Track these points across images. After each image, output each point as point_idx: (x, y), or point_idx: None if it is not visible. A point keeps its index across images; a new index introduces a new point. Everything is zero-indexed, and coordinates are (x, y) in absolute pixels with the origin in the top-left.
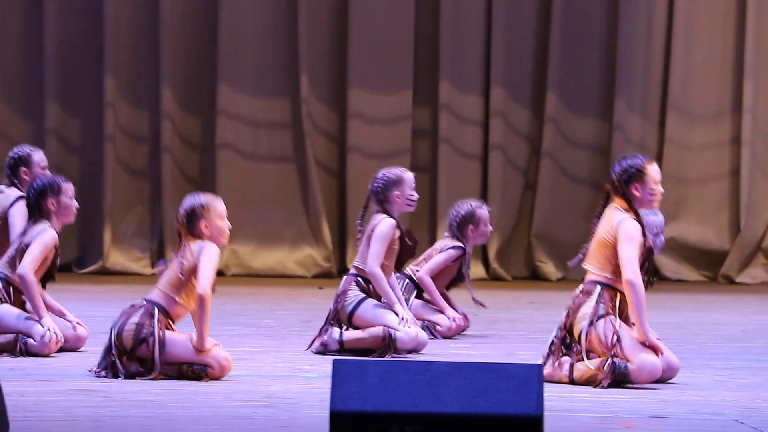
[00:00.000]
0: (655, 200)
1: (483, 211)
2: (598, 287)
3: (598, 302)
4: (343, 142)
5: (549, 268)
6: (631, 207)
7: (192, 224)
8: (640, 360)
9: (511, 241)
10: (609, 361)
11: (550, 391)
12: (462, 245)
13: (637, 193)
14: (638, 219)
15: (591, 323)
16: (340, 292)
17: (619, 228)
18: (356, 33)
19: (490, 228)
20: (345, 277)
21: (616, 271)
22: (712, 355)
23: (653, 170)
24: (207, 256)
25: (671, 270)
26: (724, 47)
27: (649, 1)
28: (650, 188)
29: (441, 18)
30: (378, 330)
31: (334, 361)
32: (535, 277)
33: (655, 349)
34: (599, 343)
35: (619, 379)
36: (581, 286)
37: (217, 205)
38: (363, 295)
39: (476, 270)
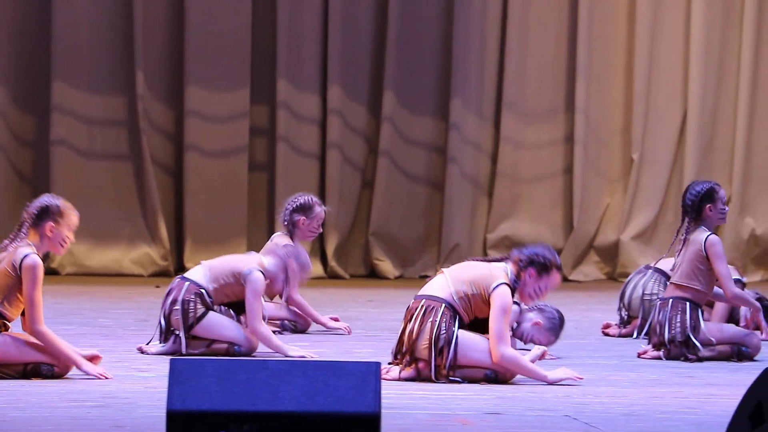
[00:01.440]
0: None
1: (320, 209)
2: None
3: None
4: (180, 140)
5: (387, 266)
6: None
7: (40, 220)
8: None
9: (348, 240)
10: None
11: (388, 389)
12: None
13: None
14: None
15: None
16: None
17: None
18: (193, 30)
19: (320, 229)
20: (187, 284)
21: None
22: None
23: None
24: (30, 279)
25: None
26: (556, 48)
27: (484, 1)
28: None
29: (278, 16)
30: (222, 346)
31: (171, 360)
32: (372, 275)
33: None
34: None
35: None
36: None
37: (72, 216)
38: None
39: (314, 268)
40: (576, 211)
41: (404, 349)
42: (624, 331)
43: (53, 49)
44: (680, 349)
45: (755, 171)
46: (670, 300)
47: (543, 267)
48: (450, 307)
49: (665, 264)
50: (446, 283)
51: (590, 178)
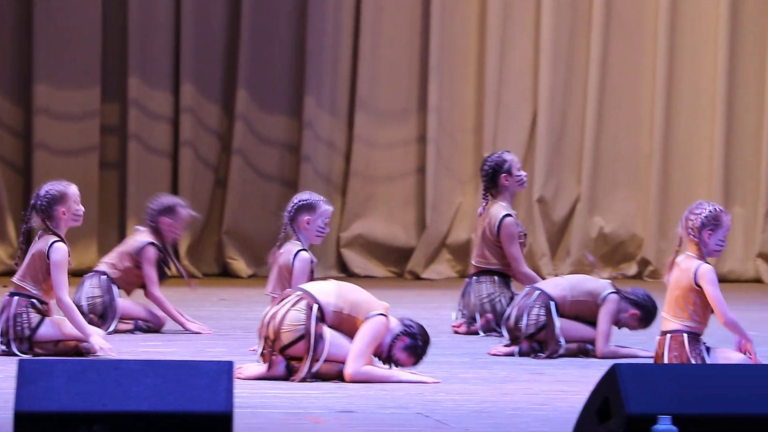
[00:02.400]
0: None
1: (186, 211)
2: None
3: None
4: (28, 139)
5: (240, 265)
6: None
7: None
8: None
9: (201, 238)
10: None
11: (242, 388)
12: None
13: None
14: None
15: None
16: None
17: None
18: (41, 26)
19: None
20: (16, 299)
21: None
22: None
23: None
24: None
25: (359, 266)
26: (410, 47)
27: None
28: None
29: (129, 13)
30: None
31: (20, 361)
32: (225, 273)
33: None
34: None
35: None
36: None
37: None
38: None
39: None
40: (429, 210)
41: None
42: (473, 328)
43: None
44: (533, 344)
45: (603, 171)
46: (533, 293)
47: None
48: (320, 310)
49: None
50: (332, 290)
51: (443, 177)
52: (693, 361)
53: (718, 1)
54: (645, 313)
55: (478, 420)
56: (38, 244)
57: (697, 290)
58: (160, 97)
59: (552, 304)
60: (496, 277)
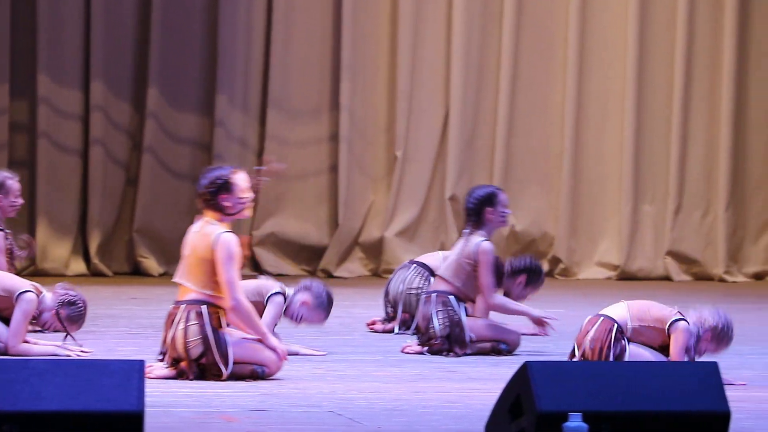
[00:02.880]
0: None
1: (14, 183)
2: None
3: None
4: None
5: (151, 264)
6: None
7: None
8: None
9: (112, 237)
10: None
11: (153, 387)
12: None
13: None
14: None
15: None
16: None
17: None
18: None
19: (21, 200)
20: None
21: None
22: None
23: (240, 179)
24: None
25: (271, 265)
26: (322, 46)
27: None
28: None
29: (38, 9)
30: None
31: None
32: (137, 272)
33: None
34: None
35: None
36: None
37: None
38: None
39: (77, 266)
40: (341, 208)
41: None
42: (389, 326)
43: None
44: (444, 343)
45: (515, 169)
46: (434, 294)
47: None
48: (210, 314)
49: (429, 259)
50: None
51: (355, 175)
52: (611, 351)
53: (627, 5)
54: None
55: (391, 418)
56: None
57: (666, 335)
58: (69, 95)
59: (451, 299)
60: (428, 274)
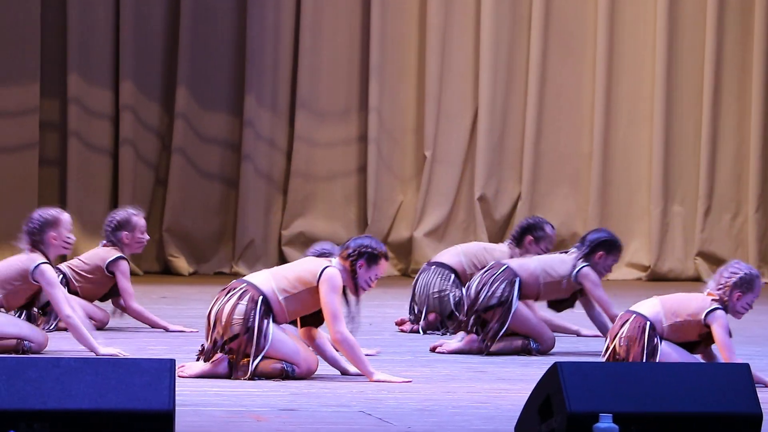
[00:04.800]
0: None
1: (139, 219)
2: None
3: None
4: None
5: (181, 263)
6: None
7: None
8: None
9: None
10: None
11: (183, 386)
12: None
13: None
14: None
15: None
16: None
17: None
18: None
19: (147, 236)
20: None
21: None
22: None
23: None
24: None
25: None
26: (350, 47)
27: None
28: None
29: (69, 10)
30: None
31: None
32: (167, 271)
33: None
34: None
35: None
36: None
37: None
38: None
39: None
40: (370, 208)
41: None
42: (416, 327)
43: None
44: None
45: (544, 170)
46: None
47: (372, 257)
48: (265, 302)
49: (446, 256)
50: (269, 278)
51: (384, 176)
52: (643, 350)
53: (655, 7)
54: (607, 247)
55: (421, 418)
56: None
57: (704, 326)
58: (100, 95)
59: (517, 280)
60: (449, 273)
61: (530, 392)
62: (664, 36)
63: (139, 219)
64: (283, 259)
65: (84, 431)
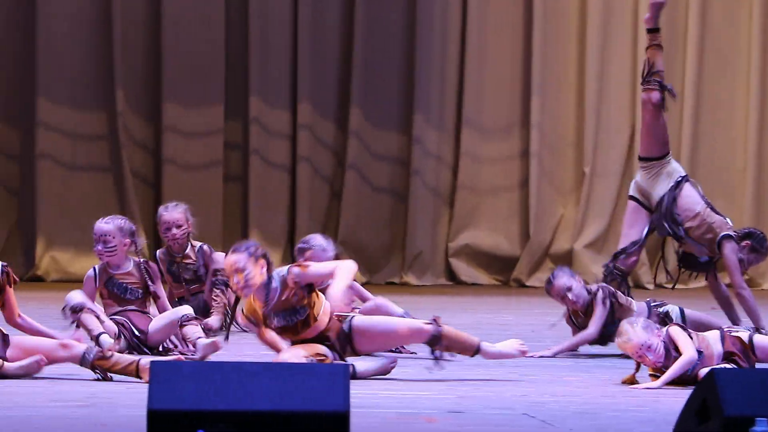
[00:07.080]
0: None
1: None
2: None
3: None
4: (158, 154)
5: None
6: None
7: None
8: None
9: None
10: None
11: (356, 389)
12: None
13: None
14: None
15: None
16: None
17: None
18: (169, 50)
19: (171, 233)
20: None
21: None
22: None
23: None
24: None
25: (466, 275)
26: (512, 66)
27: (443, 22)
28: None
29: (250, 37)
30: None
31: (152, 362)
32: None
33: None
34: None
35: None
36: None
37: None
38: None
39: None
40: (532, 221)
41: None
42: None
43: (38, 68)
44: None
45: (699, 183)
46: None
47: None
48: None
49: None
50: None
51: (545, 189)
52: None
53: None
54: (755, 240)
55: (582, 421)
56: None
57: None
58: (279, 116)
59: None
60: None
61: (687, 397)
62: None
63: (163, 213)
64: (450, 271)
65: (264, 431)
